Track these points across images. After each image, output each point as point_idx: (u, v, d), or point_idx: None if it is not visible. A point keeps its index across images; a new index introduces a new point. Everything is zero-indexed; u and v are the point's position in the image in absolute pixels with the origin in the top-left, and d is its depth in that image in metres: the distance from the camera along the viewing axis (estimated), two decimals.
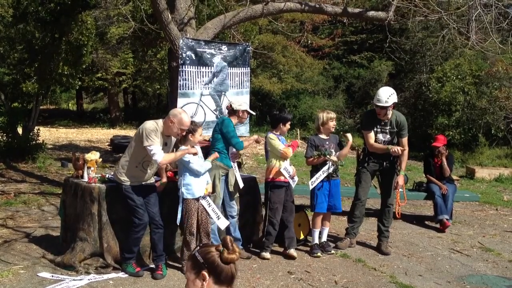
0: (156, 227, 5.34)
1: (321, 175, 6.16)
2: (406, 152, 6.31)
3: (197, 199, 5.42)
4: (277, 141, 6.03)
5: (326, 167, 6.16)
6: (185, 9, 7.50)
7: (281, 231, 6.11)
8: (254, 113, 6.37)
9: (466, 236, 7.36)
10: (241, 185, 5.99)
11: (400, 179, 6.27)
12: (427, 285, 5.33)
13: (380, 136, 6.34)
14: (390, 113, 6.26)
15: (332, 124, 6.28)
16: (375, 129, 6.34)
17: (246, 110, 6.05)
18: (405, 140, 6.33)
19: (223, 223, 5.57)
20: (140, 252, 5.53)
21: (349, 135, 6.24)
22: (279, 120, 6.15)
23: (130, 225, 5.27)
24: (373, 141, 6.33)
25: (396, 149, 6.12)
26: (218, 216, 5.54)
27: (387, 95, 6.13)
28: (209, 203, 5.50)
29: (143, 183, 5.33)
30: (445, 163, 8.01)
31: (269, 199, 6.11)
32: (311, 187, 6.16)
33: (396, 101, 6.22)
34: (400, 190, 6.47)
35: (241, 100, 6.30)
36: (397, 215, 6.76)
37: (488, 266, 6.00)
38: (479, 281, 5.47)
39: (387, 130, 6.32)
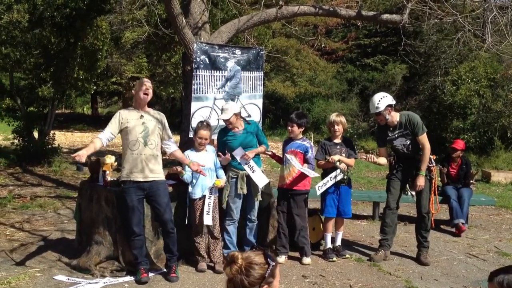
0: (168, 232, 5.29)
1: (328, 181, 6.09)
2: (426, 151, 5.99)
3: (203, 200, 5.48)
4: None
5: (333, 174, 6.08)
6: (199, 14, 7.54)
7: (293, 237, 6.09)
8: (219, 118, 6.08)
9: (482, 241, 7.29)
10: (260, 185, 5.77)
11: (419, 180, 5.99)
12: None
13: (397, 142, 6.12)
14: (392, 116, 6.05)
15: (334, 129, 6.20)
16: (388, 138, 6.16)
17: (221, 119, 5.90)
18: (422, 137, 6.00)
19: (207, 220, 5.46)
20: (154, 256, 5.54)
21: (335, 157, 6.07)
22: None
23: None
24: (385, 154, 6.31)
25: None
26: (208, 211, 5.46)
27: (377, 100, 6.00)
28: (210, 197, 5.49)
29: (145, 179, 5.15)
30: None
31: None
32: (318, 192, 6.07)
33: (390, 103, 6.01)
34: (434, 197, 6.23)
35: (228, 107, 5.87)
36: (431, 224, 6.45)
37: None
38: None
39: (402, 133, 6.08)
